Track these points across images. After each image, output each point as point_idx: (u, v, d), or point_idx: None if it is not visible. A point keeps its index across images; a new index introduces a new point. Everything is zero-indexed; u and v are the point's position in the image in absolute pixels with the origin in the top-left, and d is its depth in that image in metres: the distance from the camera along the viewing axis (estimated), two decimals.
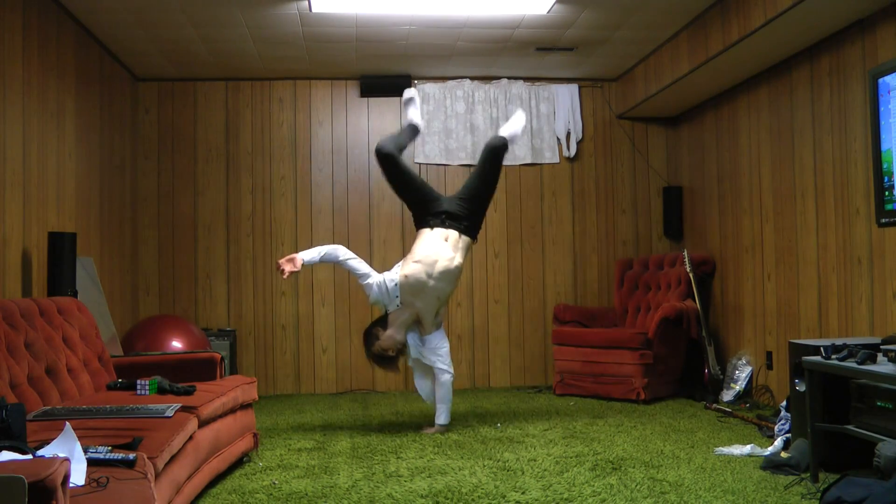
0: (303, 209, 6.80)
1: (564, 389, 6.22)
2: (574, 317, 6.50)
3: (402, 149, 4.96)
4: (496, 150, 4.91)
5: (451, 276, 4.80)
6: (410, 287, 4.75)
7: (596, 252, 7.06)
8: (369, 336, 4.83)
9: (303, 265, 4.73)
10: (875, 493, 2.82)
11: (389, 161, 4.80)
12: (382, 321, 4.83)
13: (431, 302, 4.79)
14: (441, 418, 4.84)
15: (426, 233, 4.84)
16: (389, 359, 4.85)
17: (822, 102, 4.94)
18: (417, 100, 5.15)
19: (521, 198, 6.94)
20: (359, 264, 4.83)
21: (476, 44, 6.01)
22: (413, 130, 5.10)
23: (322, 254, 4.79)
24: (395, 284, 4.76)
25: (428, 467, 3.90)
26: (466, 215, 4.85)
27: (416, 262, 4.77)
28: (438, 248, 4.77)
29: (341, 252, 4.82)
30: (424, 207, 4.87)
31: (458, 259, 4.81)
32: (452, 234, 4.80)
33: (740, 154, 5.99)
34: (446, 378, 4.82)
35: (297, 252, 4.99)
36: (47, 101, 4.77)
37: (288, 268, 4.69)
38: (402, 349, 4.83)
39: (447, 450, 4.31)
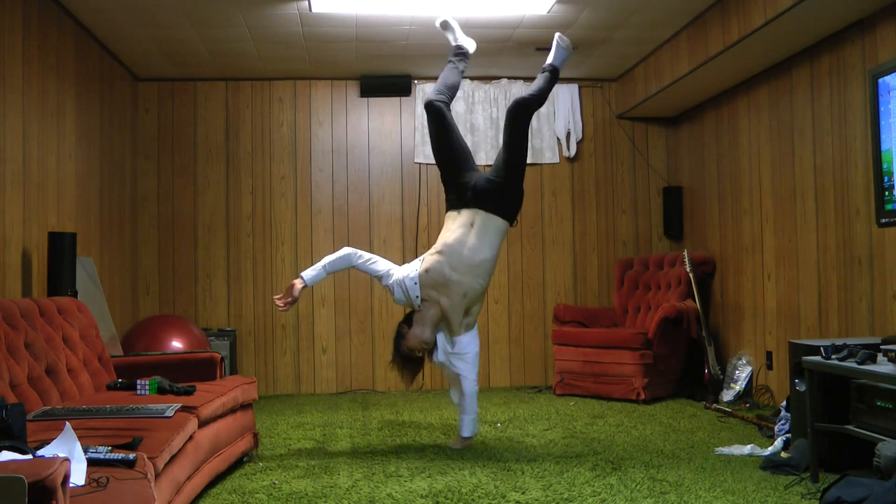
0: (303, 209, 6.80)
1: (564, 389, 6.22)
2: (574, 317, 6.49)
3: (454, 88, 4.55)
4: (511, 113, 4.35)
5: (477, 270, 4.27)
6: (432, 282, 4.25)
7: (596, 252, 7.06)
8: (397, 336, 4.37)
9: (304, 288, 4.26)
10: (875, 493, 2.82)
11: (432, 115, 4.42)
12: (408, 318, 4.36)
13: (457, 300, 4.27)
14: (465, 430, 4.38)
15: (451, 217, 4.38)
16: (416, 362, 4.40)
17: (822, 102, 4.94)
18: (454, 22, 4.68)
19: None
20: (376, 265, 4.33)
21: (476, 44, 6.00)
22: (463, 56, 4.64)
23: (328, 265, 4.29)
24: (416, 282, 4.26)
25: (428, 467, 3.90)
26: (495, 192, 4.30)
27: (437, 252, 4.29)
28: (461, 236, 4.27)
29: (354, 256, 4.31)
30: (453, 181, 4.38)
31: (484, 250, 4.27)
32: (479, 216, 4.29)
33: (740, 154, 5.99)
34: (469, 387, 4.34)
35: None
36: (47, 101, 4.77)
37: (286, 301, 4.25)
38: (431, 350, 4.37)
39: (447, 450, 4.31)
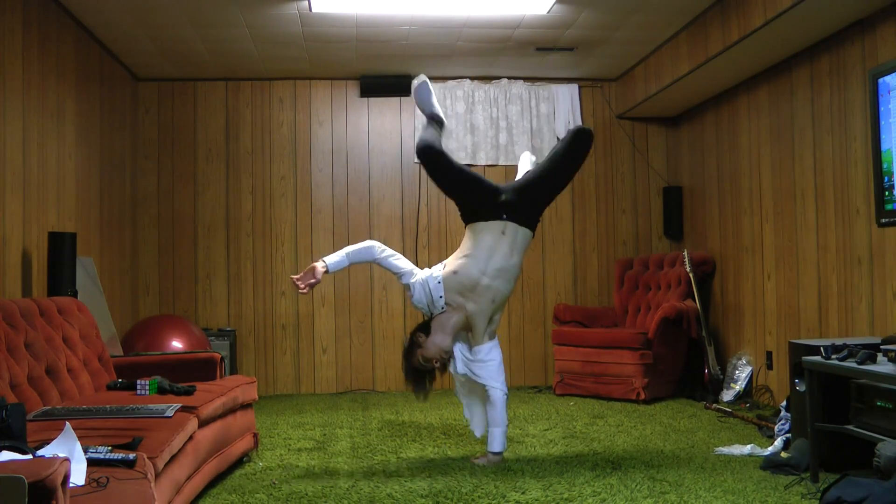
0: (303, 209, 6.80)
1: (564, 389, 6.22)
2: (574, 317, 6.49)
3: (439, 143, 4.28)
4: (580, 138, 4.13)
5: (508, 275, 4.05)
6: (459, 285, 3.99)
7: (596, 252, 7.06)
8: (410, 345, 4.03)
9: (326, 273, 3.99)
10: (875, 493, 2.82)
11: (440, 159, 4.12)
12: (424, 326, 4.04)
13: (485, 305, 4.02)
14: (495, 445, 4.02)
15: (476, 227, 4.10)
16: (429, 373, 4.05)
17: (822, 102, 4.94)
18: (430, 86, 4.38)
19: None
20: (399, 262, 4.05)
21: (476, 44, 6.01)
22: (440, 124, 4.34)
23: (350, 254, 4.03)
24: (439, 282, 3.98)
25: (428, 467, 3.90)
26: (528, 206, 4.11)
27: (465, 256, 4.03)
28: (493, 242, 4.03)
29: (377, 249, 4.04)
30: (479, 201, 4.11)
31: (516, 256, 4.06)
32: (510, 226, 4.05)
33: (740, 154, 5.99)
34: (498, 395, 4.02)
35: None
36: (47, 101, 4.77)
37: (307, 282, 3.96)
38: (448, 361, 4.07)
39: (447, 450, 4.31)
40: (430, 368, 4.02)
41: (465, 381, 4.16)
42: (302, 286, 3.97)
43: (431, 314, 4.06)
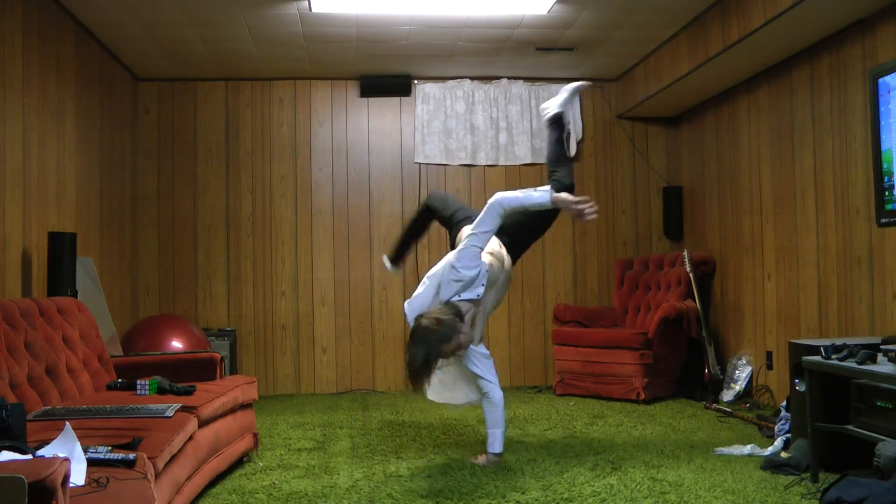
0: (303, 209, 6.80)
1: (564, 389, 6.22)
2: (574, 317, 6.49)
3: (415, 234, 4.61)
4: (555, 213, 4.09)
5: (507, 278, 4.11)
6: (488, 279, 3.85)
7: (596, 252, 7.06)
8: (450, 330, 3.61)
9: None
10: (875, 493, 2.82)
11: (429, 212, 4.41)
12: (459, 313, 3.71)
13: (490, 305, 4.04)
14: (496, 446, 4.00)
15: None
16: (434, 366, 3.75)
17: (822, 102, 4.94)
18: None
19: None
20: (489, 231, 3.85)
21: (476, 44, 6.01)
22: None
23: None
24: (486, 272, 3.80)
25: (428, 467, 3.90)
26: (507, 232, 4.00)
27: (490, 253, 3.93)
28: (497, 245, 4.01)
29: (504, 201, 3.77)
30: (459, 215, 4.20)
31: (510, 262, 4.09)
32: (497, 238, 4.04)
33: (740, 154, 5.99)
34: (499, 395, 4.00)
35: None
36: (47, 100, 4.77)
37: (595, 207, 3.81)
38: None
39: (447, 450, 4.31)
40: (438, 364, 3.72)
41: (445, 381, 4.12)
42: (592, 212, 3.79)
43: (451, 298, 3.76)
